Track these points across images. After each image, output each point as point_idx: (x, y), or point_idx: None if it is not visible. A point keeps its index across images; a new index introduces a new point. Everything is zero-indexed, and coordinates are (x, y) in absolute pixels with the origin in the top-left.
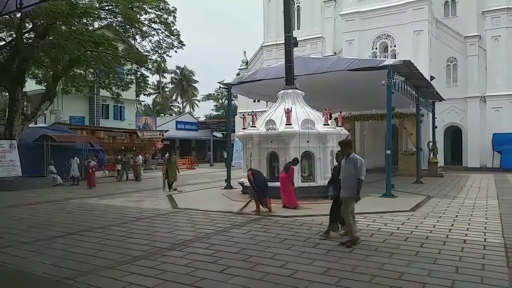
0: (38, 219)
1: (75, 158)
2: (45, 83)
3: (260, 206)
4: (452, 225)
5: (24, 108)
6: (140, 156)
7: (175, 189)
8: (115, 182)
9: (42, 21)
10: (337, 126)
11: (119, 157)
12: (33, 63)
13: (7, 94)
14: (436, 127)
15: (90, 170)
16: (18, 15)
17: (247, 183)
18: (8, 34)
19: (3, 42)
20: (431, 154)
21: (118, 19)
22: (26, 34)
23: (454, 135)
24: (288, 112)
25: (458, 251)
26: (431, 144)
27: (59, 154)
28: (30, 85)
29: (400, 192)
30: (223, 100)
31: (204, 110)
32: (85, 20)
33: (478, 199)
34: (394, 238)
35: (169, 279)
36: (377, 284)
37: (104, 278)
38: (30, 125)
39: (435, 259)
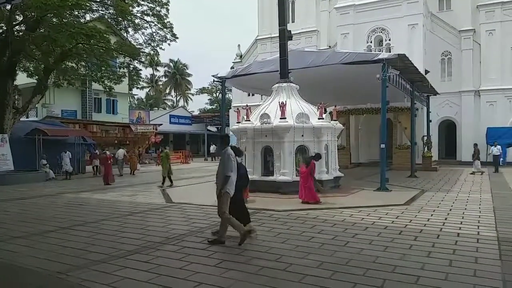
0: (31, 213)
1: (67, 152)
2: (37, 76)
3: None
4: (446, 218)
5: (15, 102)
6: (121, 150)
7: (161, 186)
8: (91, 178)
9: (33, 13)
10: (331, 120)
11: (96, 151)
12: (24, 56)
13: None
14: (430, 121)
15: (109, 162)
16: (8, 7)
17: None
18: None
19: None
20: (426, 148)
21: (110, 11)
22: (17, 27)
23: (449, 129)
24: (282, 106)
25: (451, 245)
26: (425, 138)
27: (51, 148)
28: (21, 79)
29: (394, 186)
30: (217, 93)
31: (198, 103)
32: (76, 12)
33: (472, 193)
34: (388, 231)
35: (163, 273)
36: (371, 277)
37: (98, 272)
38: (21, 119)
39: (429, 252)
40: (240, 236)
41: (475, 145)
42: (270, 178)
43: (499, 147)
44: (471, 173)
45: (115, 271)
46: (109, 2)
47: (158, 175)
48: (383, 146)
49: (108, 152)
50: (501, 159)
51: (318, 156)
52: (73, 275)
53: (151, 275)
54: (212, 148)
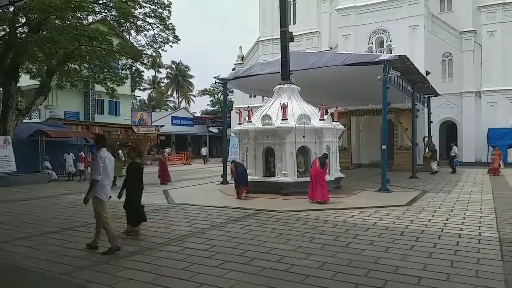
0: (33, 214)
1: (70, 153)
2: (40, 78)
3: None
4: (447, 219)
5: (19, 103)
6: (120, 152)
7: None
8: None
9: (35, 15)
10: (333, 121)
11: (81, 153)
12: (27, 57)
13: (1, 89)
14: (431, 122)
15: (166, 162)
16: (11, 9)
17: None
18: (1, 28)
19: None
20: (427, 149)
21: (112, 13)
22: (20, 29)
23: (449, 130)
24: (284, 107)
25: (453, 245)
26: (426, 139)
27: (54, 149)
28: (24, 80)
29: (395, 187)
30: (219, 95)
31: (200, 105)
32: (79, 14)
33: (473, 194)
34: (389, 232)
35: (165, 274)
36: (372, 278)
37: (100, 273)
38: (24, 121)
39: (430, 253)
40: (110, 245)
41: (433, 146)
42: (272, 179)
43: (455, 147)
44: (432, 173)
45: (118, 272)
46: (111, 4)
47: (157, 176)
48: (384, 147)
49: (166, 152)
50: (456, 160)
51: (326, 156)
52: (75, 276)
53: (153, 276)
54: (204, 150)
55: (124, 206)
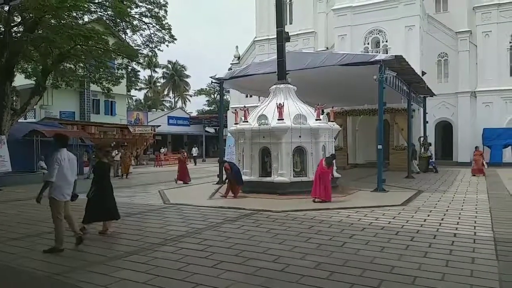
0: (28, 215)
1: None
2: (35, 78)
3: (230, 191)
4: (442, 219)
5: (14, 103)
6: (115, 152)
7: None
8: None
9: (31, 15)
10: (329, 121)
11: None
12: (22, 57)
13: None
14: (427, 122)
15: (186, 162)
16: (6, 8)
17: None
18: None
19: None
20: (422, 149)
21: (108, 12)
22: (15, 28)
23: (445, 130)
24: (280, 107)
25: (448, 245)
26: (422, 139)
27: (49, 149)
28: (19, 80)
29: (391, 187)
30: (215, 95)
31: (196, 105)
32: (74, 14)
33: (468, 194)
34: (385, 232)
35: (161, 274)
36: (368, 277)
37: (95, 273)
38: (19, 120)
39: (425, 252)
40: (55, 244)
41: (413, 145)
42: (268, 179)
43: (430, 148)
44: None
45: (113, 273)
46: (107, 3)
47: (155, 176)
48: (380, 147)
49: (185, 153)
50: (432, 161)
51: (334, 157)
52: (70, 276)
53: (148, 276)
54: (194, 150)
55: (90, 203)
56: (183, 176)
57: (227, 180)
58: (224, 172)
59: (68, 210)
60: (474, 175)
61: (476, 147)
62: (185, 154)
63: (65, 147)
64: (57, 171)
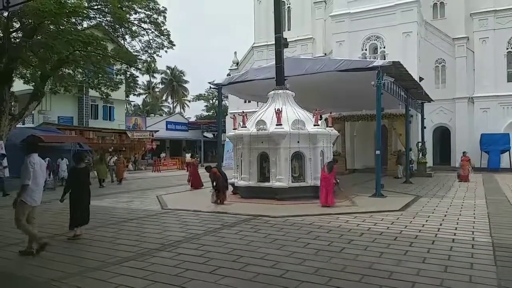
0: None
1: (64, 159)
2: (33, 83)
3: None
4: (440, 224)
5: (12, 108)
6: (109, 157)
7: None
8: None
9: (30, 20)
10: (327, 126)
11: (47, 159)
12: (21, 62)
13: None
14: (425, 127)
15: (197, 168)
16: (5, 14)
17: (238, 183)
18: None
19: None
20: (420, 154)
21: (107, 18)
22: (14, 34)
23: (443, 136)
24: (278, 113)
25: (446, 250)
26: (420, 144)
27: (47, 155)
28: (18, 85)
29: (389, 192)
30: (214, 100)
31: (194, 110)
32: (73, 20)
33: (466, 199)
34: (383, 237)
35: (159, 280)
36: (367, 283)
37: (92, 279)
38: (17, 126)
39: (424, 258)
40: (36, 245)
41: (400, 151)
42: (266, 184)
43: (411, 152)
44: (395, 177)
45: (110, 278)
46: (106, 9)
47: (153, 181)
48: (378, 152)
49: (198, 159)
50: (412, 165)
51: (335, 161)
52: (67, 282)
53: (146, 282)
54: (188, 156)
55: (71, 207)
56: (197, 184)
57: (215, 186)
58: (213, 178)
59: (31, 217)
60: (461, 181)
61: (464, 152)
62: (197, 159)
63: (36, 152)
64: (32, 175)
